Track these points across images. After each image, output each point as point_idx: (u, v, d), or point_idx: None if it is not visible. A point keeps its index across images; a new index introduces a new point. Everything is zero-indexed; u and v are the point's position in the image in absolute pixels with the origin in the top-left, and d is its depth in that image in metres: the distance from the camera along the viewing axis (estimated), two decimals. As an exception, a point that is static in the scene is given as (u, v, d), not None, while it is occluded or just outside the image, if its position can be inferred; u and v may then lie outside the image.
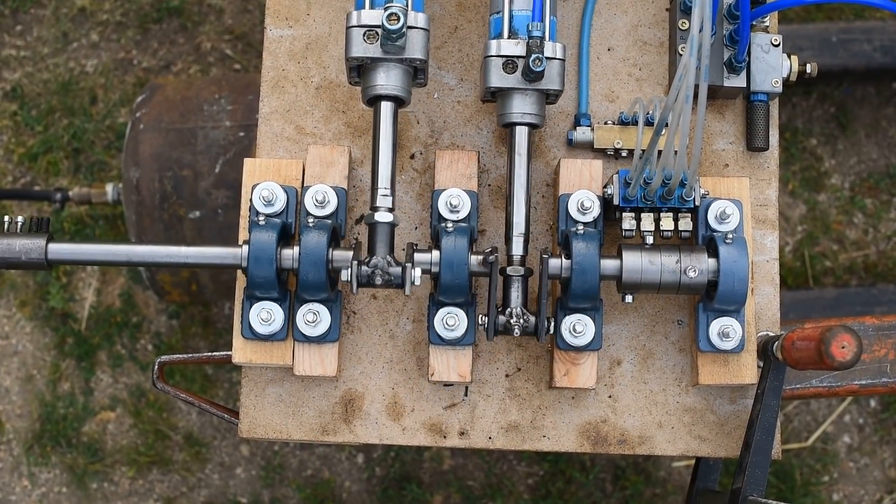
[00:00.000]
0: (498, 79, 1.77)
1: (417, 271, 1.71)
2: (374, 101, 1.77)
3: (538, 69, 1.72)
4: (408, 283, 1.70)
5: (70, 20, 3.77)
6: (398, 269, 1.73)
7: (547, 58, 1.75)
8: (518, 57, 1.76)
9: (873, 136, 3.73)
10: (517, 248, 1.78)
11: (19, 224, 1.76)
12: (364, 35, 1.72)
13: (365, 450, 3.47)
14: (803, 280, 3.60)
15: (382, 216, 1.74)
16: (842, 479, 3.49)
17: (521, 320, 1.74)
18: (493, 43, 1.77)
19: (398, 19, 1.67)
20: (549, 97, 1.81)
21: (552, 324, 1.77)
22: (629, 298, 1.77)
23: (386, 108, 1.76)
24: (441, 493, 3.44)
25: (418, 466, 3.46)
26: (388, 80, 1.74)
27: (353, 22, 1.72)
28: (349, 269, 1.71)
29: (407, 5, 1.73)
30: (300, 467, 3.47)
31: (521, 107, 1.79)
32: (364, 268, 1.72)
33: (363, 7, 1.74)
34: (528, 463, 3.46)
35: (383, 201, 1.74)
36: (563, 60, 1.78)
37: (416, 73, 1.78)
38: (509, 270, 1.77)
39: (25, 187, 3.65)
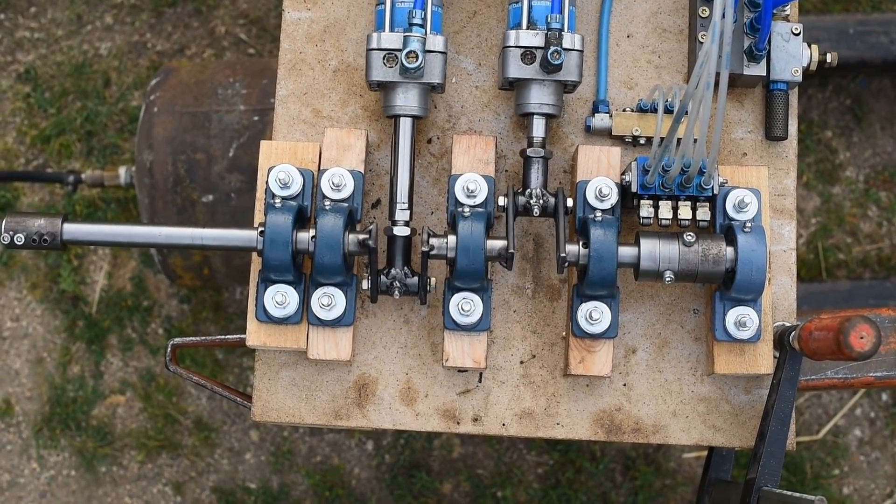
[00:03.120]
0: (516, 69, 1.79)
1: (433, 280, 1.80)
2: (393, 116, 1.82)
3: (556, 62, 1.74)
4: (424, 292, 1.78)
5: (84, 3, 3.77)
6: (415, 280, 1.78)
7: (565, 49, 1.76)
8: (536, 48, 1.77)
9: (889, 129, 3.71)
10: (538, 130, 1.82)
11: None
12: (384, 59, 1.78)
13: (374, 437, 3.47)
14: (817, 273, 3.59)
15: (401, 230, 1.79)
16: (852, 473, 3.48)
17: (541, 200, 1.77)
18: (512, 33, 1.78)
19: (416, 57, 1.74)
20: (566, 87, 1.82)
21: (570, 200, 1.79)
22: (669, 276, 1.76)
23: (405, 124, 1.82)
24: (450, 481, 3.44)
25: (428, 454, 3.46)
26: (406, 101, 1.81)
27: (374, 45, 1.78)
28: (368, 280, 1.78)
29: (425, 31, 1.76)
30: (310, 453, 3.47)
31: (539, 97, 1.80)
32: (383, 278, 1.78)
33: (383, 28, 1.78)
34: (537, 452, 3.46)
35: (401, 215, 1.80)
36: (581, 52, 1.79)
37: (434, 87, 1.83)
38: (529, 152, 1.80)
39: (38, 170, 3.64)
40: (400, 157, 1.81)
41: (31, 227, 1.73)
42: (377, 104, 1.93)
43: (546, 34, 1.75)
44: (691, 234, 1.74)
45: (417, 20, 1.77)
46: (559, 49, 1.73)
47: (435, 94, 1.93)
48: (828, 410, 3.52)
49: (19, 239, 1.73)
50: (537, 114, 1.81)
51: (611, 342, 1.81)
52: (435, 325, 1.88)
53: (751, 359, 1.82)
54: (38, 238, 1.73)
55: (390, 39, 1.77)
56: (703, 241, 1.73)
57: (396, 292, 1.77)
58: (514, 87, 1.84)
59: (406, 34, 1.76)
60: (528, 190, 1.79)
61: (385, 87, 1.81)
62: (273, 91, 1.94)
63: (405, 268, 1.79)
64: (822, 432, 3.49)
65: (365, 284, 1.79)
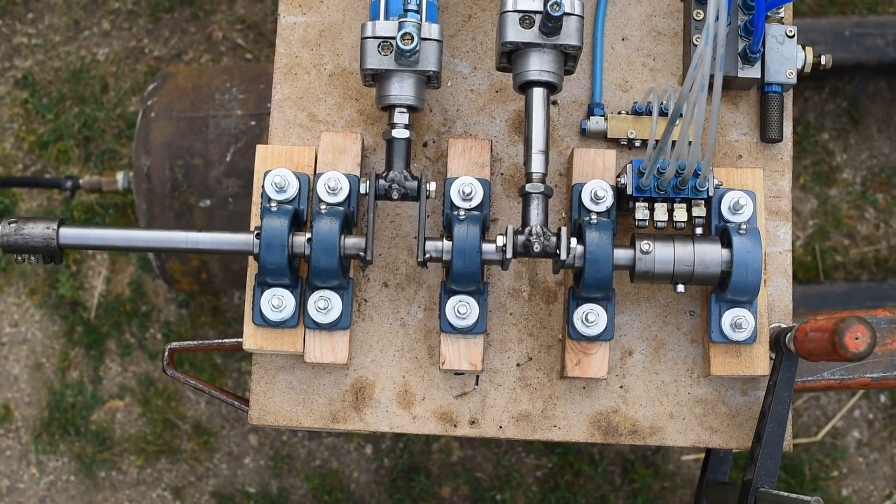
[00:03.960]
0: (514, 33, 1.71)
1: (433, 185, 1.76)
2: (388, 108, 1.80)
3: (556, 14, 1.66)
4: (423, 195, 1.74)
5: (82, 8, 3.77)
6: (414, 183, 1.76)
7: (565, 12, 1.69)
8: (535, 12, 1.71)
9: (885, 131, 3.71)
10: (537, 166, 1.74)
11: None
12: (378, 47, 1.76)
13: (373, 440, 3.47)
14: (814, 274, 3.59)
15: (399, 132, 1.77)
16: (851, 474, 3.48)
17: (542, 239, 1.71)
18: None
19: (412, 39, 1.71)
20: (567, 62, 1.76)
21: (574, 241, 1.73)
22: (681, 288, 1.76)
23: (400, 114, 1.80)
24: (449, 485, 3.44)
25: (427, 458, 3.46)
26: (401, 90, 1.78)
27: (368, 33, 1.75)
28: (367, 182, 1.74)
29: (420, 18, 1.75)
30: (308, 457, 3.47)
31: (539, 64, 1.73)
32: (381, 181, 1.75)
33: (378, 17, 1.76)
34: (536, 455, 3.46)
35: (400, 118, 1.78)
36: (581, 17, 1.72)
37: (430, 78, 1.81)
38: (528, 188, 1.74)
39: (36, 175, 3.65)
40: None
41: (27, 232, 1.73)
42: (373, 108, 1.93)
43: None
44: (687, 236, 1.75)
45: (413, 6, 1.76)
46: (559, 2, 1.65)
47: (431, 98, 1.93)
48: (826, 412, 3.52)
49: (16, 245, 1.73)
50: (537, 82, 1.74)
51: (607, 344, 1.81)
52: (431, 328, 1.88)
53: (747, 360, 1.82)
54: (36, 242, 1.73)
55: (385, 27, 1.75)
56: (699, 243, 1.73)
57: (395, 193, 1.75)
58: (513, 59, 1.76)
59: (401, 20, 1.75)
60: (528, 227, 1.73)
61: (380, 78, 1.79)
62: (270, 95, 1.94)
63: (404, 171, 1.77)
64: (820, 434, 3.49)
65: (363, 188, 1.76)
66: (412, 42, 1.71)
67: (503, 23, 1.73)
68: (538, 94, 1.74)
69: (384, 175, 1.77)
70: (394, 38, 1.74)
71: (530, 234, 1.72)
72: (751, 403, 1.88)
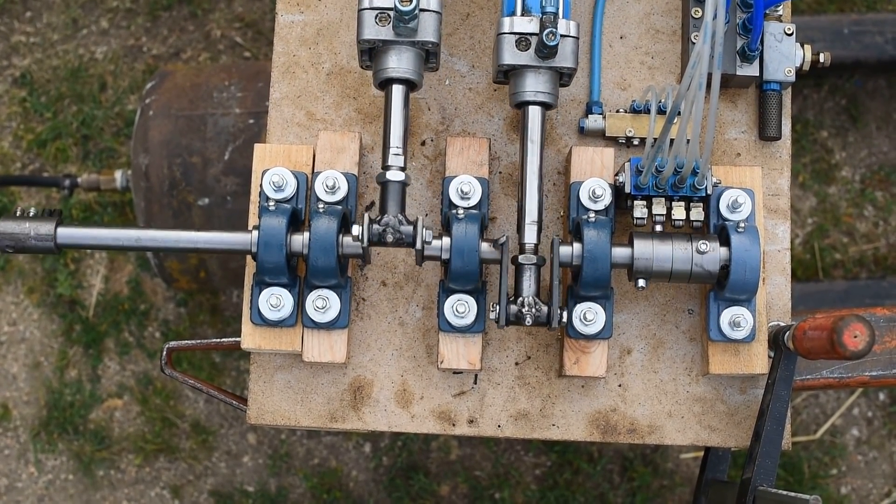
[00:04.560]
0: (511, 56, 1.74)
1: (429, 233, 1.71)
2: (385, 83, 1.76)
3: (552, 43, 1.68)
4: (419, 239, 1.70)
5: (80, 7, 3.77)
6: (409, 228, 1.72)
7: (561, 35, 1.71)
8: (531, 34, 1.73)
9: (884, 129, 3.71)
10: (530, 237, 1.76)
11: (31, 212, 1.75)
12: (376, 17, 1.71)
13: (372, 439, 3.47)
14: (813, 272, 3.59)
15: (394, 175, 1.73)
16: (850, 472, 3.48)
17: (534, 310, 1.72)
18: (507, 20, 1.74)
19: (410, 0, 1.66)
20: (562, 78, 1.78)
21: (564, 313, 1.74)
22: (641, 283, 1.76)
23: (398, 91, 1.75)
24: (448, 483, 3.44)
25: (425, 456, 3.46)
26: (399, 63, 1.73)
27: (365, 4, 1.72)
28: (360, 226, 1.70)
29: None
30: (307, 456, 3.47)
31: (535, 85, 1.75)
32: (375, 226, 1.72)
33: None
34: (535, 453, 3.46)
35: (395, 160, 1.74)
36: (576, 38, 1.75)
37: (428, 56, 1.77)
38: (521, 259, 1.75)
39: (34, 174, 3.64)
40: (393, 114, 1.75)
41: (25, 231, 1.73)
42: (371, 106, 1.93)
43: (541, 18, 1.71)
44: (685, 234, 1.74)
45: None
46: (554, 30, 1.68)
47: (429, 96, 1.93)
48: (825, 410, 3.52)
49: (14, 244, 1.73)
50: (533, 102, 1.76)
51: (605, 343, 1.81)
52: (430, 327, 1.88)
53: (745, 359, 1.82)
54: (34, 241, 1.73)
55: None
56: (697, 241, 1.73)
57: (389, 237, 1.71)
58: (509, 77, 1.79)
59: None
60: (521, 298, 1.73)
61: (377, 52, 1.75)
62: (268, 94, 1.94)
63: (399, 215, 1.73)
64: (819, 432, 3.49)
65: (492, 307, 1.74)
66: (411, 3, 1.66)
67: (499, 45, 1.74)
68: (535, 112, 1.77)
69: (378, 219, 1.72)
70: (392, 8, 1.69)
71: (522, 304, 1.73)
72: (749, 402, 1.88)
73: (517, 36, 1.73)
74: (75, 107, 3.67)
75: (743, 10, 1.88)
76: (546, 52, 1.72)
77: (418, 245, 1.70)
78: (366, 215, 1.70)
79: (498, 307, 1.72)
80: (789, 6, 1.96)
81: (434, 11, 1.73)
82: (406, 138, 1.75)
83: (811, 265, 3.60)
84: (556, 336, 1.88)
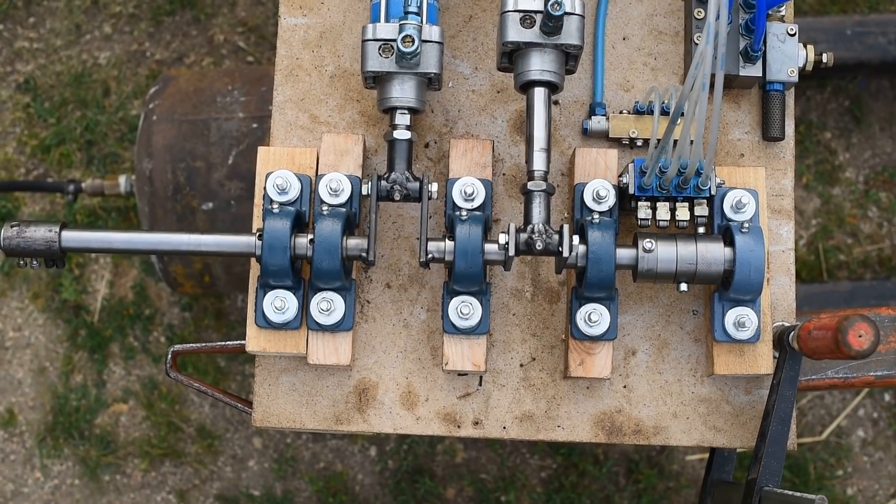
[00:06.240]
0: (515, 33, 1.71)
1: (435, 185, 1.75)
2: (390, 110, 1.80)
3: (557, 13, 1.65)
4: (425, 196, 1.74)
5: (83, 12, 3.77)
6: (416, 185, 1.75)
7: (566, 12, 1.68)
8: (536, 12, 1.70)
9: (888, 130, 3.71)
10: (538, 163, 1.74)
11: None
12: (379, 49, 1.75)
13: (378, 442, 3.47)
14: (817, 273, 3.59)
15: (401, 133, 1.77)
16: (856, 474, 3.48)
17: (544, 236, 1.70)
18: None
19: (413, 41, 1.71)
20: (568, 61, 1.75)
21: (573, 241, 1.71)
22: (684, 287, 1.75)
23: (401, 115, 1.79)
24: (454, 486, 3.44)
25: (431, 459, 3.46)
26: (403, 92, 1.77)
27: (369, 35, 1.75)
28: (369, 184, 1.74)
29: (421, 20, 1.75)
30: (313, 460, 3.47)
31: (540, 64, 1.72)
32: (383, 183, 1.75)
33: (378, 19, 1.76)
34: (540, 456, 3.46)
35: (401, 119, 1.78)
36: (581, 16, 1.71)
37: (431, 81, 1.80)
38: (530, 185, 1.73)
39: (38, 179, 3.65)
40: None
41: (30, 235, 1.73)
42: (374, 109, 1.93)
43: None
44: (690, 235, 1.75)
45: (413, 8, 1.75)
46: (559, 1, 1.65)
47: (432, 99, 1.93)
48: (831, 411, 3.51)
49: (18, 248, 1.73)
50: (538, 82, 1.73)
51: (610, 344, 1.81)
52: (434, 329, 1.88)
53: (750, 359, 1.82)
54: (38, 245, 1.73)
55: (386, 30, 1.75)
56: (701, 241, 1.73)
57: (397, 194, 1.74)
58: (514, 59, 1.76)
59: (402, 22, 1.75)
60: (531, 225, 1.72)
61: (381, 80, 1.79)
62: (271, 98, 1.94)
63: (406, 172, 1.76)
64: (825, 433, 3.48)
65: (365, 190, 1.77)
66: (413, 44, 1.71)
67: (504, 23, 1.72)
68: (539, 93, 1.74)
69: (386, 176, 1.76)
70: (394, 40, 1.73)
71: (532, 231, 1.71)
72: (755, 402, 1.88)
73: (521, 13, 1.71)
74: (79, 112, 3.67)
75: (745, 11, 1.88)
76: (551, 25, 1.68)
77: (424, 206, 1.75)
78: (374, 173, 1.75)
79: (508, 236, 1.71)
80: (792, 7, 1.96)
81: (436, 42, 1.77)
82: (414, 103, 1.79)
83: (815, 266, 3.60)
84: (561, 338, 1.88)
